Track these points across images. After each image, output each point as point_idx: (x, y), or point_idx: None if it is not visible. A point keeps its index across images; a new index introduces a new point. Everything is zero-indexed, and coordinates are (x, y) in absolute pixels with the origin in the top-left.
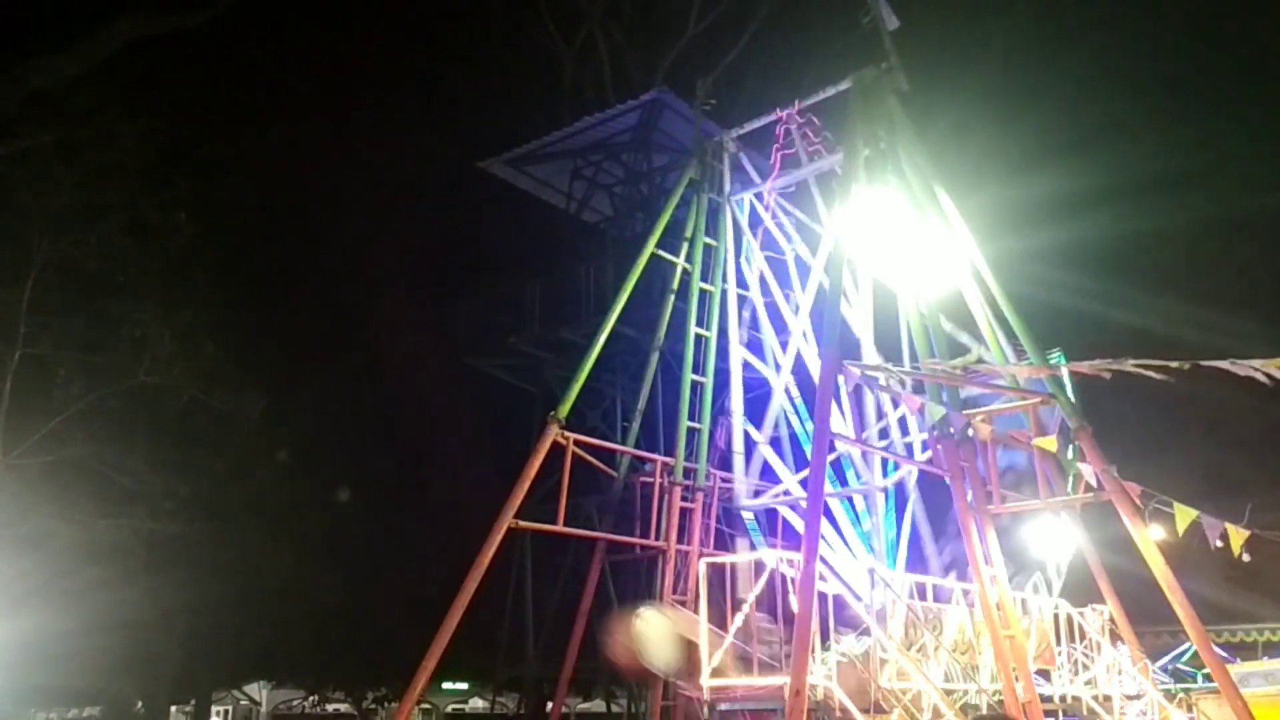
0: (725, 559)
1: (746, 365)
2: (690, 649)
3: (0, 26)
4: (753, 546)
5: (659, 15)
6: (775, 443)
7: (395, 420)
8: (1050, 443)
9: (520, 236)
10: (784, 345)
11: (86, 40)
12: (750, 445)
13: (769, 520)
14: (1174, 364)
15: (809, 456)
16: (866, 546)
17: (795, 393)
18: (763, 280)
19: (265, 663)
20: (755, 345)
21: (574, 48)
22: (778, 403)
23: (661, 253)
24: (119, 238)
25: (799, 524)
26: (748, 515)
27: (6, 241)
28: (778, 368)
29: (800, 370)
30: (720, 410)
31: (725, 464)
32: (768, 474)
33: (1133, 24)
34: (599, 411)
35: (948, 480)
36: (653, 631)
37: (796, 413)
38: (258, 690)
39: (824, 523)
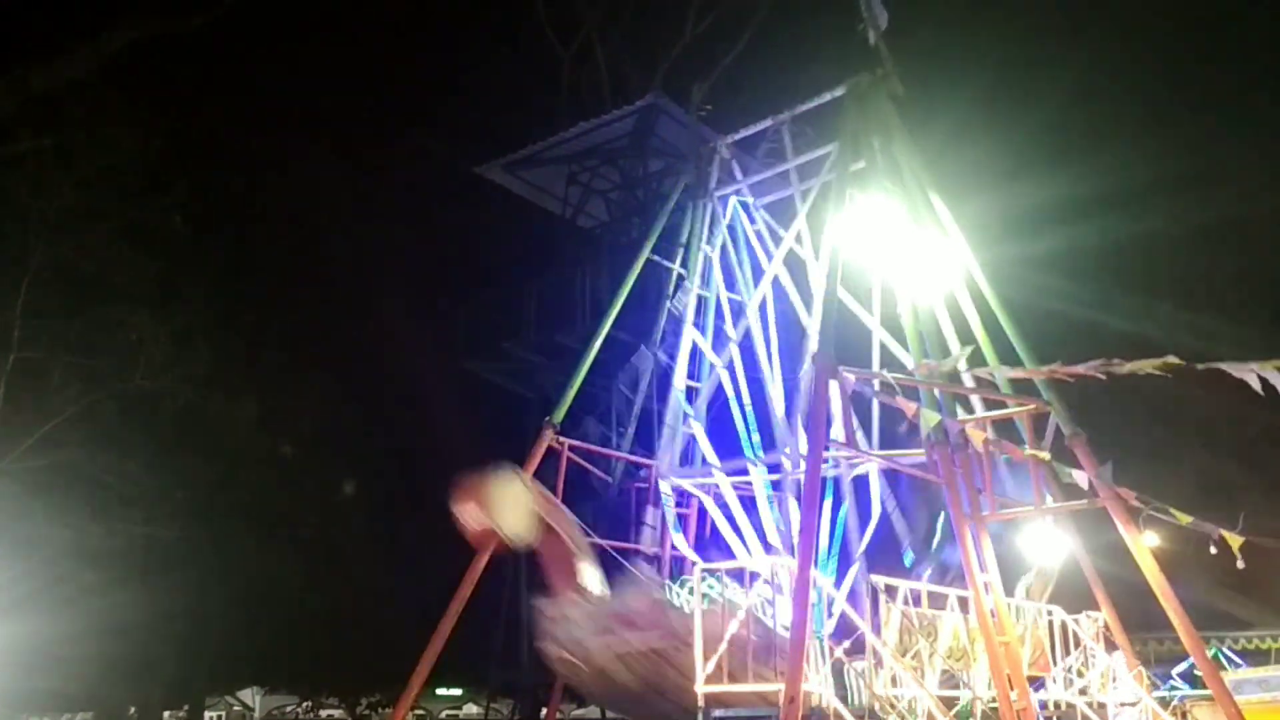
0: (721, 566)
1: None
2: (546, 533)
3: (0, 28)
4: (663, 518)
5: (656, 20)
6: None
7: (391, 424)
8: (1044, 454)
9: (516, 241)
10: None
11: (86, 43)
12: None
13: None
14: (1170, 359)
15: (743, 442)
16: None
17: (742, 376)
18: (728, 273)
19: (259, 668)
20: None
21: (571, 52)
22: (711, 383)
23: (657, 258)
24: (115, 241)
25: (714, 510)
26: (666, 490)
27: (3, 244)
28: (721, 347)
29: (748, 359)
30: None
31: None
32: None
33: (1129, 31)
34: (594, 416)
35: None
36: (507, 493)
37: (739, 399)
38: (251, 696)
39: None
